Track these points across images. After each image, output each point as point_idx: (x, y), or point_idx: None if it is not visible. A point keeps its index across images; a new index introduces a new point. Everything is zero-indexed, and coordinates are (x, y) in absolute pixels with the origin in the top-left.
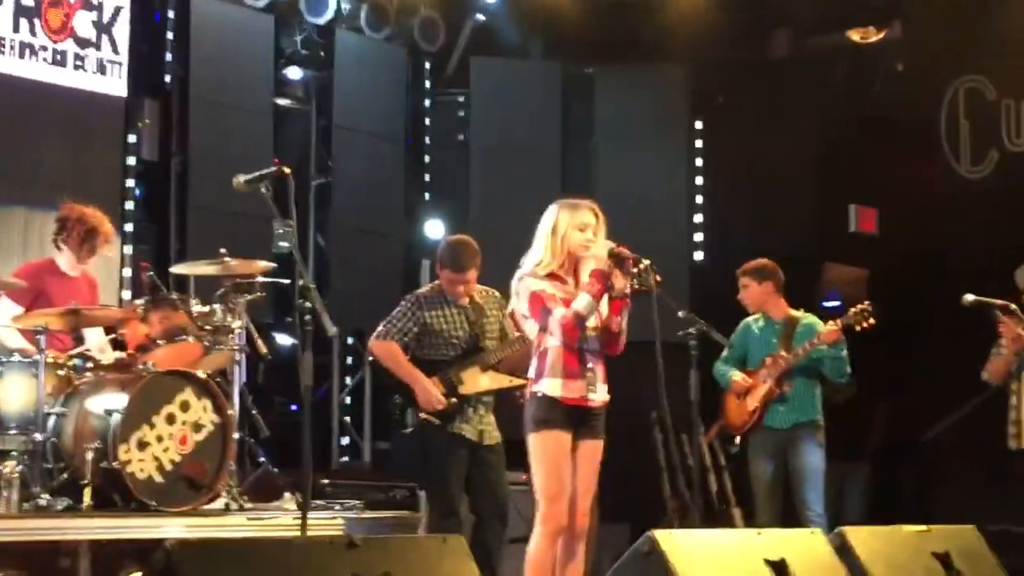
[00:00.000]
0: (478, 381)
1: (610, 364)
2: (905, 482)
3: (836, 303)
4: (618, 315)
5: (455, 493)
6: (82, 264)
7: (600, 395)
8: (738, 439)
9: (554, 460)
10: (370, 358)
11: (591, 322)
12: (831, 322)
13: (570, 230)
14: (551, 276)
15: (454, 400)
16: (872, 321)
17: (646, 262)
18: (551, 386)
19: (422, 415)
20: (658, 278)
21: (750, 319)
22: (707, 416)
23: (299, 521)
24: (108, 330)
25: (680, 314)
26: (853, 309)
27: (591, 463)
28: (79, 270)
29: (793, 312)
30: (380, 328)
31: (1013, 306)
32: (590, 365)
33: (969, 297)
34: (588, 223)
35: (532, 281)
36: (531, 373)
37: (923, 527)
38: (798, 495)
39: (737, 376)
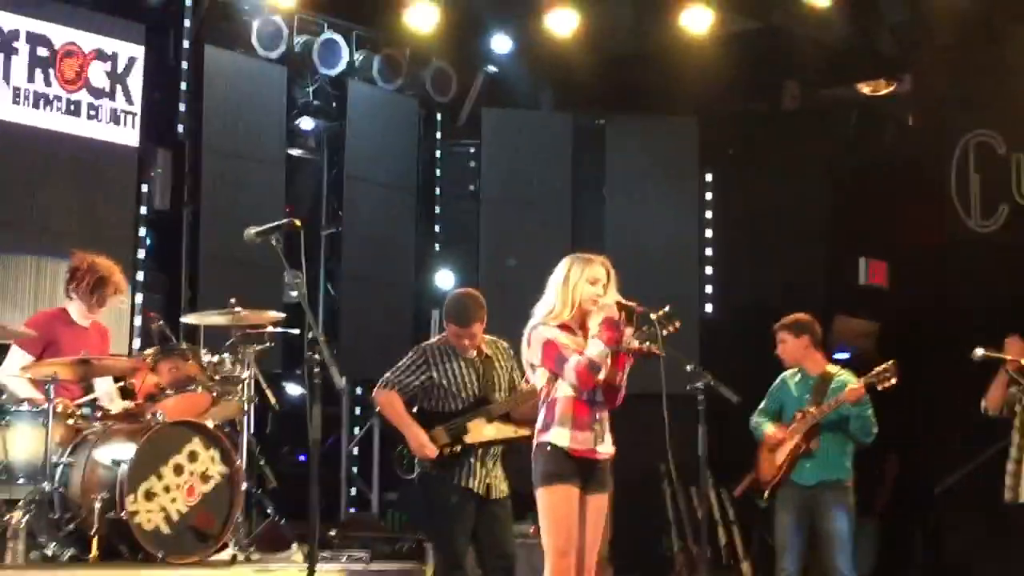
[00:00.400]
0: (483, 431)
1: (618, 416)
2: (915, 536)
3: (846, 355)
4: (622, 370)
5: (461, 546)
6: (92, 314)
7: (607, 447)
8: (766, 493)
9: (563, 515)
10: (377, 408)
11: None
12: (855, 382)
13: (582, 283)
14: (561, 327)
15: (450, 448)
16: (895, 381)
17: (665, 309)
18: (560, 436)
19: (423, 464)
20: (677, 324)
21: (787, 373)
22: (743, 469)
23: (306, 573)
24: (117, 379)
25: (688, 367)
26: (877, 368)
27: (598, 518)
28: (90, 320)
29: (830, 368)
30: (384, 377)
31: (1022, 361)
32: (598, 416)
33: (979, 352)
34: (599, 278)
35: (545, 330)
36: (539, 424)
37: None
38: (828, 561)
39: (770, 430)
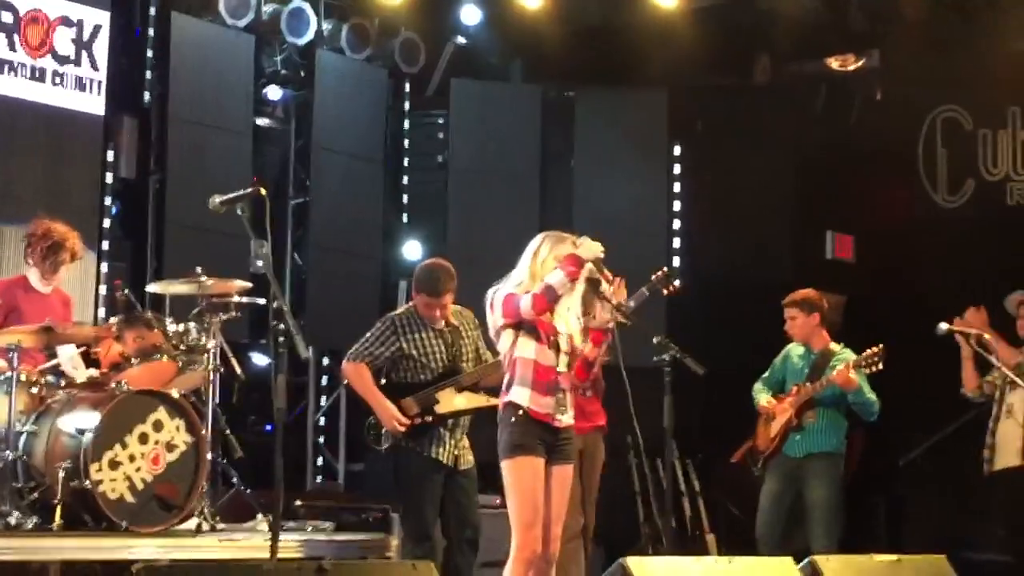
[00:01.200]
0: (453, 401)
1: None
2: (879, 509)
3: None
4: (598, 346)
5: (429, 517)
6: (48, 280)
7: (567, 418)
8: (760, 463)
9: (529, 487)
10: (345, 382)
11: (564, 345)
12: (843, 365)
13: (549, 259)
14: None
15: (421, 419)
16: (881, 367)
17: (663, 269)
18: (521, 395)
19: (392, 436)
20: (676, 283)
21: (792, 346)
22: (703, 441)
23: (270, 543)
24: (81, 347)
25: (655, 340)
26: (866, 352)
27: (563, 489)
28: (50, 286)
29: (832, 345)
30: (353, 349)
31: (987, 335)
32: (561, 385)
33: (943, 326)
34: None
35: (507, 289)
36: (503, 386)
37: (894, 557)
38: (808, 527)
39: (764, 401)
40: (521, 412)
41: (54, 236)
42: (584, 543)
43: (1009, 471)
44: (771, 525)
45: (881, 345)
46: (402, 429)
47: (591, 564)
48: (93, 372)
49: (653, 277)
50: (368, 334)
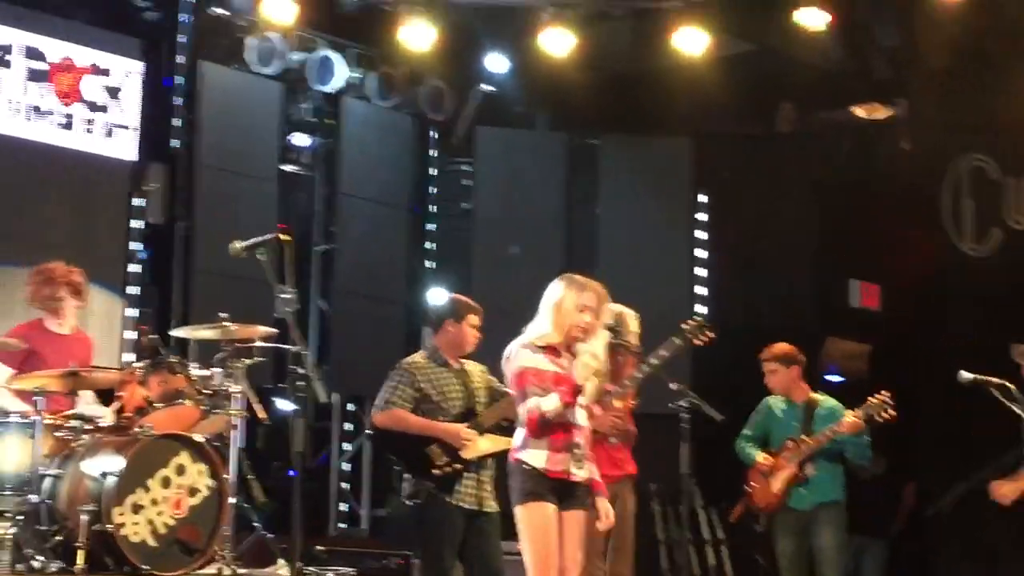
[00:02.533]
0: (479, 445)
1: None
2: (920, 557)
3: (837, 378)
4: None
5: (448, 563)
6: (58, 320)
7: (583, 473)
8: (762, 519)
9: (541, 532)
10: (368, 431)
11: (582, 399)
12: (850, 413)
13: (574, 309)
14: (547, 348)
15: (450, 466)
16: (893, 413)
17: (694, 318)
18: (535, 457)
19: (427, 482)
20: (709, 333)
21: (771, 399)
22: (734, 491)
23: None
24: (106, 392)
25: (672, 386)
26: (873, 400)
27: (577, 534)
28: (65, 327)
29: (813, 395)
30: (379, 402)
31: (1011, 385)
32: (577, 440)
33: (966, 375)
34: (589, 305)
35: (524, 355)
36: (516, 441)
37: None
38: (821, 572)
39: (760, 457)
40: (534, 470)
41: (44, 273)
42: None
43: None
44: None
45: (888, 392)
46: (469, 440)
47: None
48: (106, 410)
49: (684, 326)
50: (385, 385)
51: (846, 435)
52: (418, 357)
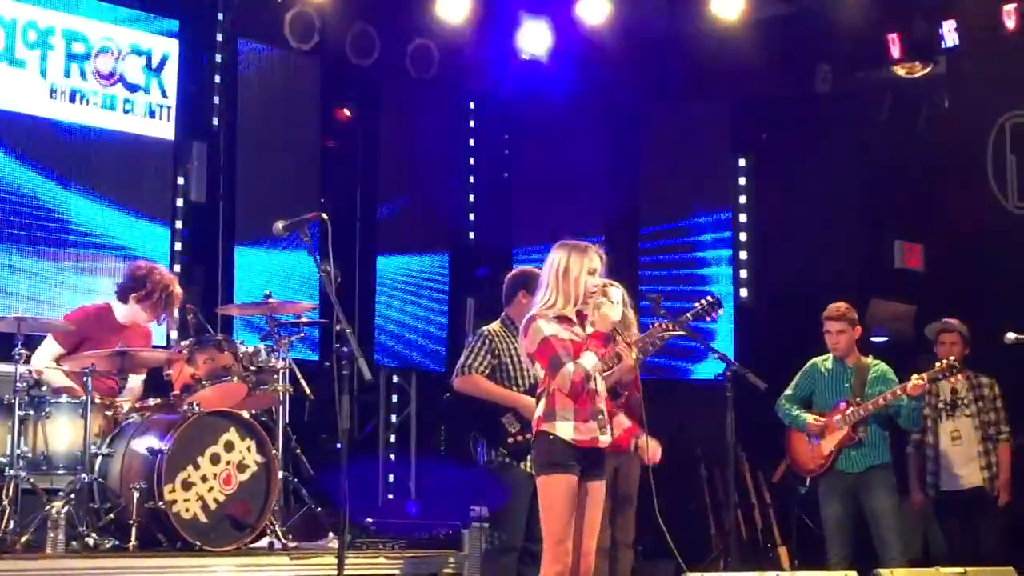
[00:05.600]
0: None
1: (654, 402)
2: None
3: (882, 339)
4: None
5: (518, 530)
6: (148, 323)
7: (608, 436)
8: (808, 481)
9: (563, 503)
10: (446, 395)
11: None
12: (916, 376)
13: (583, 275)
14: (559, 318)
15: (522, 436)
16: (959, 376)
17: (707, 298)
18: (563, 429)
19: (502, 449)
20: (720, 311)
21: (819, 360)
22: (772, 454)
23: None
24: (154, 372)
25: (714, 355)
26: (939, 364)
27: (597, 504)
28: (132, 320)
29: (863, 357)
30: (457, 368)
31: None
32: (600, 406)
33: (1010, 336)
34: (596, 267)
35: (543, 324)
36: (540, 412)
37: (960, 569)
38: (878, 536)
39: (811, 419)
40: (560, 440)
41: (171, 287)
42: (618, 555)
43: None
44: (849, 546)
45: (952, 358)
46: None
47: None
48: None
49: (698, 304)
50: (466, 351)
51: (907, 399)
52: (496, 325)
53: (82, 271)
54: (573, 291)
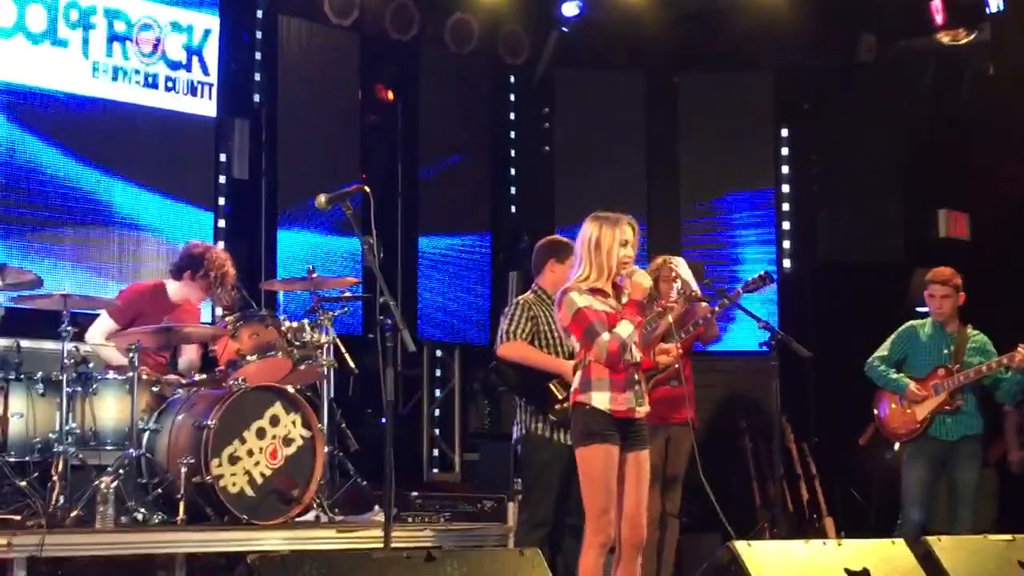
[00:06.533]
0: None
1: (699, 373)
2: None
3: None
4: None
5: (550, 504)
6: (201, 300)
7: (645, 407)
8: (896, 445)
9: (603, 473)
10: (491, 364)
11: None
12: (1022, 347)
13: (616, 246)
14: (592, 290)
15: (564, 403)
16: None
17: (760, 273)
18: (600, 400)
19: (551, 417)
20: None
21: (917, 323)
22: (856, 418)
23: (383, 532)
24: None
25: (759, 324)
26: None
27: (642, 475)
28: (184, 298)
29: (963, 326)
30: (501, 333)
31: None
32: (636, 376)
33: None
34: (628, 239)
35: (577, 297)
36: (576, 383)
37: (1008, 537)
38: (951, 507)
39: (912, 385)
40: (598, 411)
41: (229, 269)
42: (666, 525)
43: None
44: (926, 512)
45: None
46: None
47: (706, 548)
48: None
49: (750, 279)
50: (504, 320)
51: (1013, 369)
52: (529, 295)
53: (125, 254)
54: (606, 263)
